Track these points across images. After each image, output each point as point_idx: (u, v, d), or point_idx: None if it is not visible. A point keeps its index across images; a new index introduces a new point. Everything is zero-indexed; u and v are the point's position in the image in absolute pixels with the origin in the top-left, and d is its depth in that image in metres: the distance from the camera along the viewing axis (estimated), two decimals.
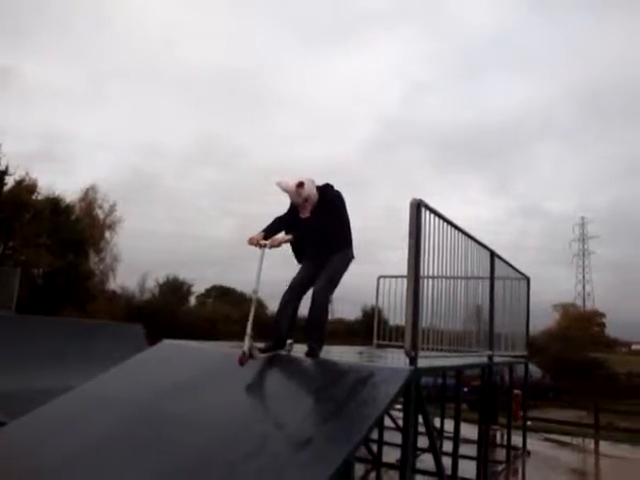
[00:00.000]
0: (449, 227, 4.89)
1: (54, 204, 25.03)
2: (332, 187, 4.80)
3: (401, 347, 6.90)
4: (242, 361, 4.17)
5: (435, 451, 4.61)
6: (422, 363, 4.23)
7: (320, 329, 4.67)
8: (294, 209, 4.79)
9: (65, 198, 26.68)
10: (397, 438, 6.60)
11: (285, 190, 4.64)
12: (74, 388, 4.88)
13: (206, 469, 3.17)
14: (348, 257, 4.80)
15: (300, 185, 4.58)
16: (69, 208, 26.87)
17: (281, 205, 4.94)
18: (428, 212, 4.39)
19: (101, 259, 32.82)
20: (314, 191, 4.68)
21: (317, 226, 4.59)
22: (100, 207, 33.52)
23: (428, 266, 4.44)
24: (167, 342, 5.68)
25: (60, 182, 33.77)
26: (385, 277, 8.02)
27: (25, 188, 24.02)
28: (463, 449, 5.51)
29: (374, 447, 6.86)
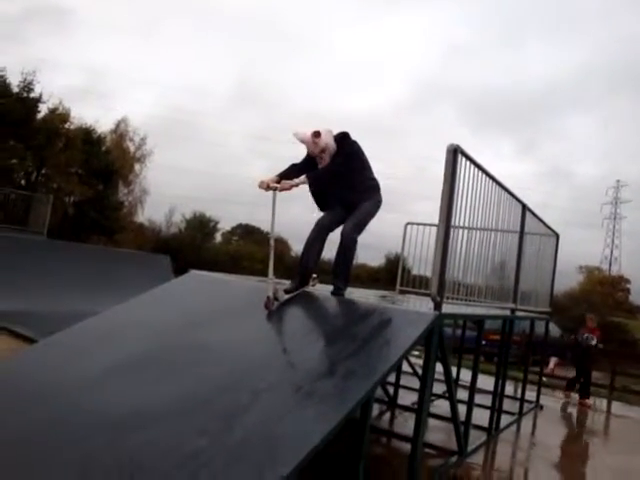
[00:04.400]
0: (483, 176, 4.81)
1: (86, 134, 25.14)
2: (349, 136, 4.73)
3: (424, 295, 6.95)
4: (268, 306, 4.27)
5: (452, 398, 4.69)
6: (445, 309, 4.25)
7: (346, 269, 4.75)
8: (311, 159, 4.72)
9: (97, 129, 26.81)
10: (413, 382, 6.77)
11: (302, 141, 4.60)
12: (101, 312, 5.02)
13: (228, 396, 3.26)
14: (378, 202, 4.84)
15: (316, 135, 4.53)
16: (101, 139, 26.97)
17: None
18: (464, 159, 4.31)
19: (130, 191, 33.18)
20: (332, 142, 4.63)
21: (341, 170, 4.56)
22: (131, 140, 33.69)
23: (460, 215, 4.41)
24: (194, 272, 5.77)
25: (100, 116, 33.86)
26: (413, 224, 7.97)
27: (58, 116, 24.14)
28: (478, 398, 5.59)
29: (390, 390, 7.00)
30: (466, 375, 6.47)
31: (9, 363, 4.54)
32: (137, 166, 33.62)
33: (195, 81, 60.14)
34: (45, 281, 10.90)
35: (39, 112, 23.20)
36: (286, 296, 4.48)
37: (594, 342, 9.58)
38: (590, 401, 9.35)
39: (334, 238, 4.72)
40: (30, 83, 22.45)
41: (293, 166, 4.73)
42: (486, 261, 5.50)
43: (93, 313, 5.01)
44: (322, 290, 4.82)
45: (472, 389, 5.39)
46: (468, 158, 4.37)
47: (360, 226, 4.68)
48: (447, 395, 4.96)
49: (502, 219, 5.59)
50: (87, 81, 54.14)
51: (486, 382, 6.46)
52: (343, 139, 4.70)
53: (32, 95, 22.53)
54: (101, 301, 6.89)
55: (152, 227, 34.80)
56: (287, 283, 4.71)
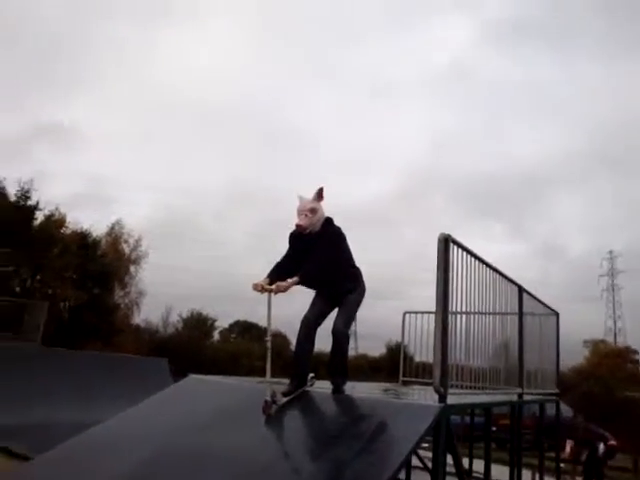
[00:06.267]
0: (477, 262, 4.86)
1: (82, 238, 25.45)
2: (333, 222, 4.72)
3: (428, 384, 6.81)
4: (266, 410, 4.12)
5: None
6: (451, 400, 4.15)
7: (343, 365, 4.70)
8: (292, 254, 4.66)
9: (92, 233, 27.17)
10: (423, 477, 6.47)
11: (300, 198, 4.59)
12: (99, 422, 4.88)
13: None
14: (362, 291, 4.82)
15: (320, 194, 4.59)
16: (96, 242, 27.28)
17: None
18: (456, 247, 4.37)
19: (126, 293, 33.06)
20: (322, 215, 4.62)
21: (329, 258, 4.52)
22: (126, 241, 34.02)
23: (456, 301, 4.41)
24: (193, 377, 5.67)
25: (97, 221, 34.83)
26: (411, 313, 7.94)
27: (54, 222, 24.56)
28: None
29: None
30: (479, 465, 6.21)
31: None
32: (132, 268, 33.71)
33: (190, 182, 61.94)
34: (39, 391, 10.64)
35: (35, 219, 23.62)
36: (284, 399, 4.35)
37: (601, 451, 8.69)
38: None
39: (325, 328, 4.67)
40: (27, 192, 23.00)
41: (279, 266, 4.62)
42: (487, 345, 5.45)
43: (91, 424, 4.87)
44: (322, 388, 4.72)
45: None
46: (459, 246, 4.44)
47: (350, 320, 4.67)
48: None
49: (500, 302, 5.59)
50: (85, 189, 56.19)
51: (500, 471, 6.19)
52: (328, 223, 4.67)
53: (29, 203, 23.03)
54: (99, 410, 6.71)
55: (149, 328, 34.46)
56: (285, 382, 4.61)
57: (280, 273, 4.53)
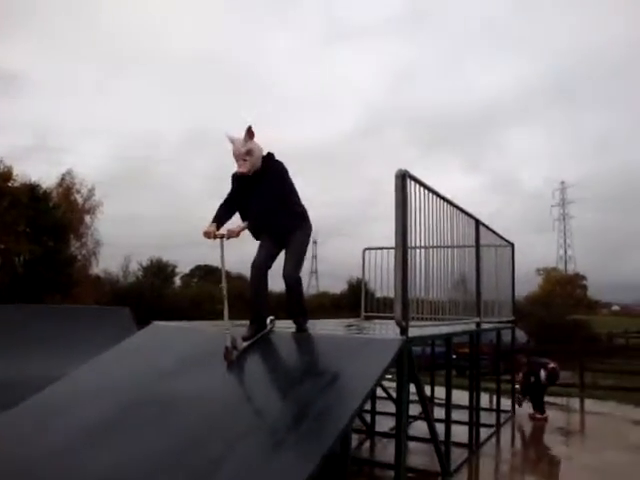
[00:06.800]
0: (434, 197, 4.90)
1: (31, 190, 24.59)
2: (274, 156, 4.60)
3: (389, 318, 6.97)
4: (227, 357, 4.11)
5: (429, 418, 4.68)
6: (412, 332, 4.27)
7: (301, 306, 4.75)
8: (236, 185, 4.60)
9: (42, 185, 26.26)
10: (388, 407, 6.73)
11: (232, 140, 4.44)
12: (65, 375, 4.84)
13: (203, 447, 3.18)
14: (309, 231, 4.77)
15: (251, 133, 4.41)
16: (47, 194, 26.42)
17: None
18: (413, 183, 4.39)
19: (82, 244, 32.44)
20: (259, 153, 4.48)
21: (269, 203, 4.42)
22: (78, 192, 33.06)
23: (415, 236, 4.47)
24: (156, 323, 5.65)
25: (48, 172, 33.29)
26: (370, 249, 8.03)
27: (0, 175, 23.59)
28: (455, 415, 5.59)
29: (367, 417, 6.95)
30: (441, 392, 6.48)
31: None
32: (87, 218, 32.98)
33: (144, 130, 60.12)
34: None
35: None
36: (244, 344, 4.35)
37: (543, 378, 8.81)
38: (544, 415, 8.32)
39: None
40: None
41: (222, 206, 4.54)
42: (447, 277, 5.59)
43: (54, 378, 4.81)
44: (284, 328, 4.78)
45: (448, 406, 5.39)
46: (417, 181, 4.45)
47: (299, 263, 4.62)
48: (424, 416, 4.95)
49: (457, 235, 5.69)
50: (35, 139, 53.77)
51: (461, 397, 6.48)
52: (268, 159, 4.55)
53: None
54: (62, 363, 6.61)
55: (109, 278, 34.05)
56: (247, 325, 4.61)
57: (225, 215, 4.49)
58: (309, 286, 57.76)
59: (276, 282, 4.74)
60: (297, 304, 4.70)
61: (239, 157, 4.41)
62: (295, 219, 4.63)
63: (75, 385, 4.58)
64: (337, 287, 37.51)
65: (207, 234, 4.31)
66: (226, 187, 4.69)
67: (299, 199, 4.73)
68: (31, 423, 4.09)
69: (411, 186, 4.34)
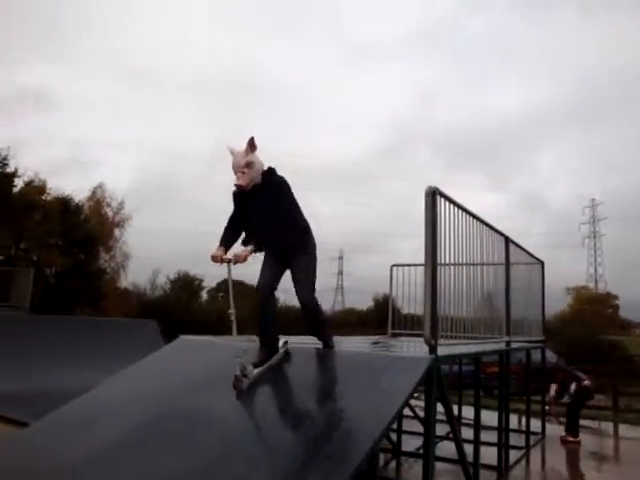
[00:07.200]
0: (464, 214, 4.86)
1: (63, 204, 25.10)
2: (276, 171, 4.37)
3: (417, 335, 6.90)
4: (237, 386, 3.96)
5: (457, 439, 4.60)
6: (441, 351, 4.21)
7: (323, 327, 4.70)
8: (239, 203, 4.42)
9: (74, 198, 26.81)
10: (414, 426, 6.64)
11: (232, 152, 4.27)
12: (93, 387, 4.89)
13: (228, 465, 3.16)
14: (314, 248, 4.60)
15: (252, 144, 4.24)
16: (78, 207, 26.94)
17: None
18: (443, 199, 4.36)
19: (112, 257, 32.89)
20: (260, 166, 4.29)
21: (272, 219, 4.26)
22: (109, 205, 33.63)
23: (444, 253, 4.42)
24: (183, 337, 5.68)
25: (80, 186, 34.07)
26: (398, 266, 7.99)
27: (34, 189, 24.13)
28: (483, 436, 5.49)
29: (393, 436, 6.85)
30: (468, 412, 6.37)
31: None
32: (117, 231, 33.47)
33: (173, 144, 61.29)
34: (28, 359, 10.62)
35: (15, 187, 23.17)
36: (255, 371, 4.19)
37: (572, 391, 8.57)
38: (577, 439, 8.04)
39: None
40: (4, 158, 22.47)
41: (229, 229, 4.42)
42: (476, 296, 5.51)
43: (85, 388, 4.87)
44: (311, 344, 4.72)
45: (477, 427, 5.30)
46: (447, 198, 4.42)
47: (312, 284, 4.46)
48: (451, 436, 4.86)
49: (487, 253, 5.63)
50: (67, 154, 55.59)
51: (489, 417, 6.36)
52: (270, 174, 4.33)
53: (7, 170, 22.52)
54: (90, 375, 6.71)
55: (137, 291, 34.40)
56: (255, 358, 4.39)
57: (232, 237, 4.40)
58: (335, 302, 57.58)
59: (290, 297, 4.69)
60: (317, 322, 4.60)
61: (238, 169, 4.20)
62: (299, 234, 4.47)
63: (103, 396, 4.62)
64: (363, 303, 37.35)
65: (214, 258, 4.22)
66: None
67: (302, 214, 4.56)
68: (55, 435, 4.14)
69: (441, 203, 4.31)
